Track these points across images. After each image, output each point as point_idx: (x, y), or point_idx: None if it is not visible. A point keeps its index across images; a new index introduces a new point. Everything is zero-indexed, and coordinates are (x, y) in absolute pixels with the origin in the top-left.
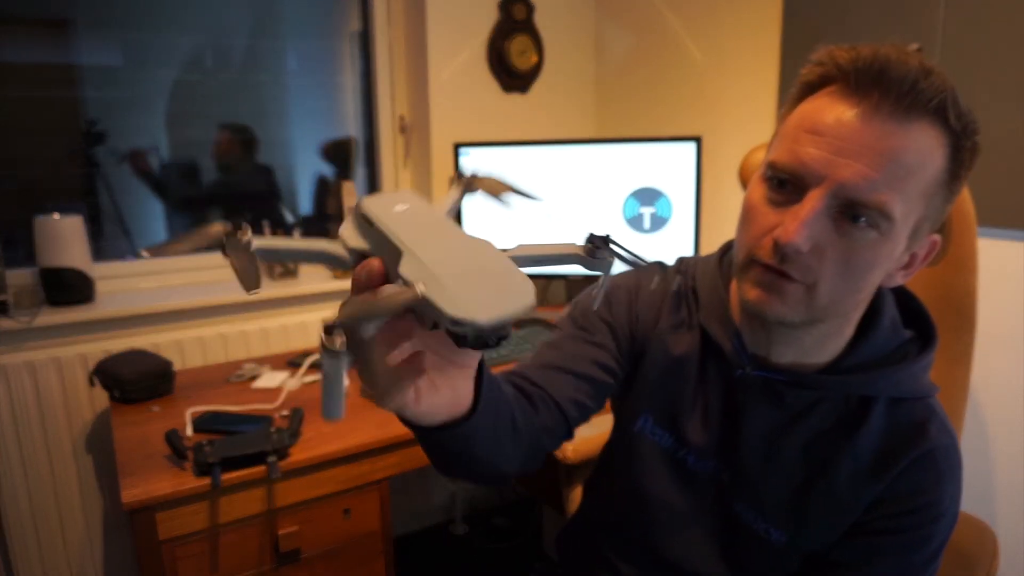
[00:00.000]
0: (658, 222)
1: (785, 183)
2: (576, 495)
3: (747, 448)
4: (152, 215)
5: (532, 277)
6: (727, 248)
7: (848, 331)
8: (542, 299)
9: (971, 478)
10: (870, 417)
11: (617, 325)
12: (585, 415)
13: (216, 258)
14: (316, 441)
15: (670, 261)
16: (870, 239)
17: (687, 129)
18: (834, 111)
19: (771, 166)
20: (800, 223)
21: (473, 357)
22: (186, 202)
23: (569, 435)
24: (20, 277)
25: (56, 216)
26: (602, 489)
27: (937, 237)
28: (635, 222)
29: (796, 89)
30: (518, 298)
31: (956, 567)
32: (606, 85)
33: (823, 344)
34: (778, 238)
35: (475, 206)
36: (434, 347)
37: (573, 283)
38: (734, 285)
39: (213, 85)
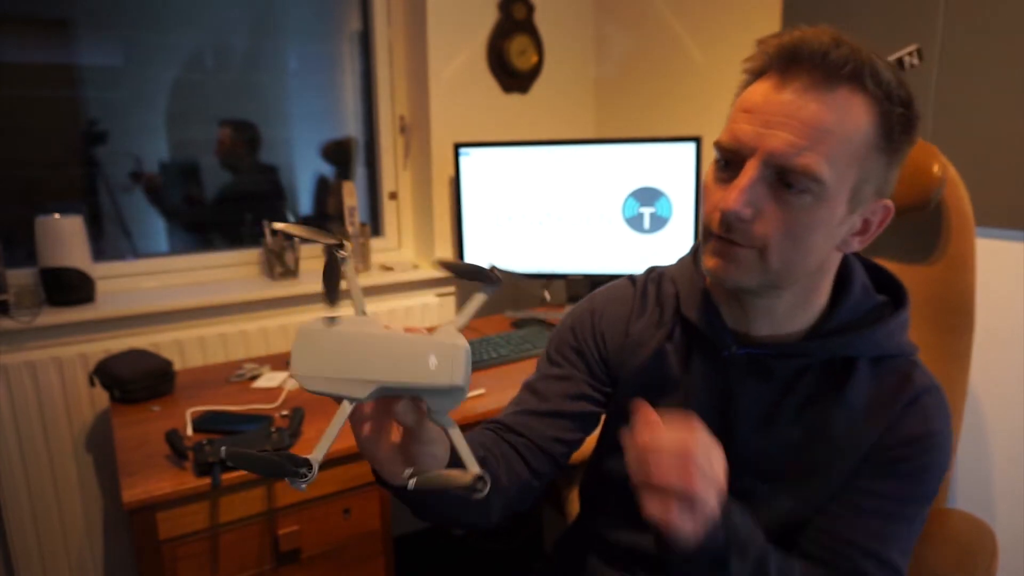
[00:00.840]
0: (658, 222)
1: (730, 162)
2: (575, 496)
3: (743, 425)
4: (152, 215)
5: (536, 276)
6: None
7: (819, 299)
8: (542, 299)
9: (971, 477)
10: (855, 373)
11: (586, 349)
12: (572, 448)
13: (216, 258)
14: (316, 441)
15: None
16: (806, 203)
17: (687, 129)
18: (762, 90)
19: (717, 147)
20: (738, 191)
21: (438, 446)
22: (189, 202)
23: (560, 471)
24: (21, 277)
25: (57, 216)
26: (597, 494)
27: (890, 203)
28: (635, 222)
29: (742, 79)
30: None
31: (956, 566)
32: (606, 85)
33: (796, 312)
34: (721, 207)
35: (475, 212)
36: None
37: (573, 282)
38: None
39: (213, 85)
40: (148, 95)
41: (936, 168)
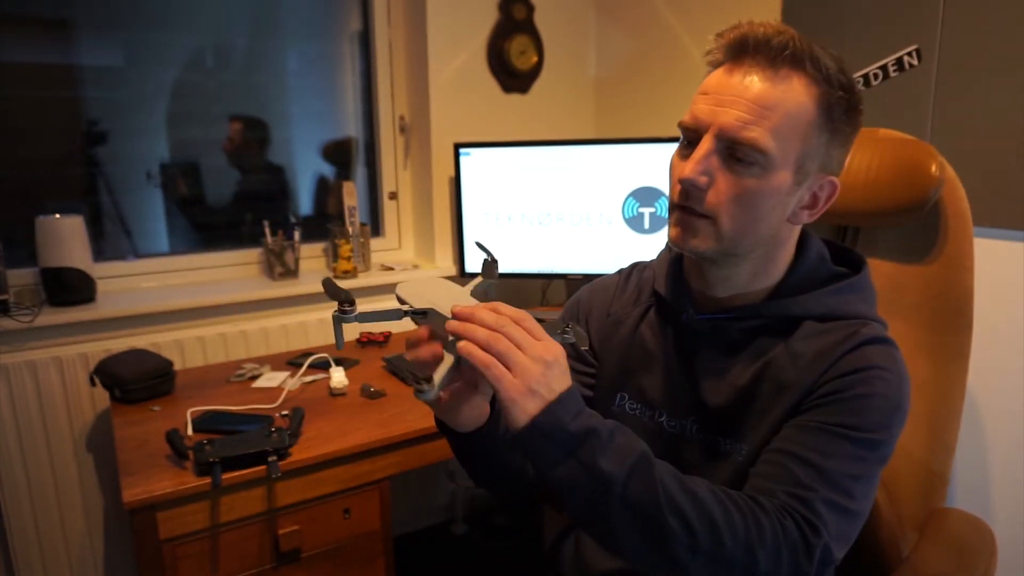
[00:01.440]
0: (658, 222)
1: (691, 142)
2: None
3: (705, 384)
4: (153, 215)
5: (538, 276)
6: None
7: (777, 268)
8: (543, 299)
9: (969, 477)
10: (803, 327)
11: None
12: None
13: (216, 258)
14: (316, 441)
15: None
16: (754, 173)
17: None
18: (716, 76)
19: (680, 127)
20: (694, 162)
21: (487, 387)
22: (190, 201)
23: None
24: (21, 277)
25: (57, 216)
26: None
27: (835, 179)
28: (635, 222)
29: (704, 73)
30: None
31: (955, 565)
32: (606, 85)
33: (755, 280)
34: (679, 177)
35: (475, 217)
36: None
37: (572, 282)
38: (686, 262)
39: (214, 85)
40: (148, 95)
41: (934, 168)
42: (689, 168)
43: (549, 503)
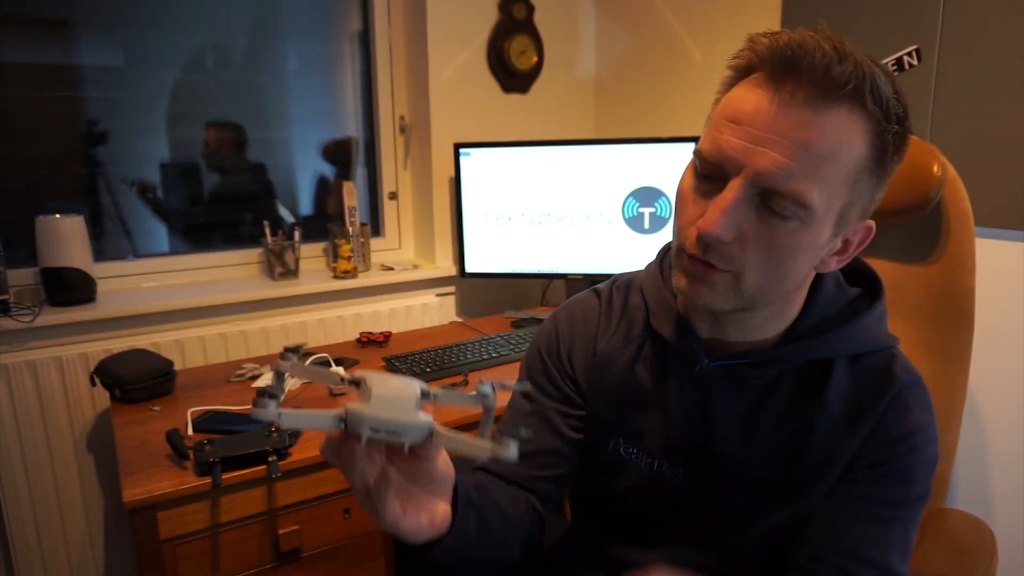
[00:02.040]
0: (658, 222)
1: (711, 175)
2: None
3: (725, 438)
4: (153, 216)
5: (538, 276)
6: (667, 250)
7: (795, 308)
8: (542, 299)
9: (970, 477)
10: (833, 375)
11: (556, 372)
12: (566, 478)
13: (216, 258)
14: (316, 441)
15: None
16: (791, 227)
17: (687, 129)
18: (752, 99)
19: (697, 155)
20: (720, 213)
21: (445, 484)
22: (190, 201)
23: (559, 504)
24: (21, 277)
25: (57, 216)
26: (587, 506)
27: (871, 223)
28: (635, 222)
29: (727, 75)
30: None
31: (955, 565)
32: (606, 85)
33: (772, 321)
34: (700, 228)
35: (475, 212)
36: (408, 475)
37: (572, 282)
38: None
39: (214, 85)
40: (148, 95)
41: (936, 168)
42: (713, 220)
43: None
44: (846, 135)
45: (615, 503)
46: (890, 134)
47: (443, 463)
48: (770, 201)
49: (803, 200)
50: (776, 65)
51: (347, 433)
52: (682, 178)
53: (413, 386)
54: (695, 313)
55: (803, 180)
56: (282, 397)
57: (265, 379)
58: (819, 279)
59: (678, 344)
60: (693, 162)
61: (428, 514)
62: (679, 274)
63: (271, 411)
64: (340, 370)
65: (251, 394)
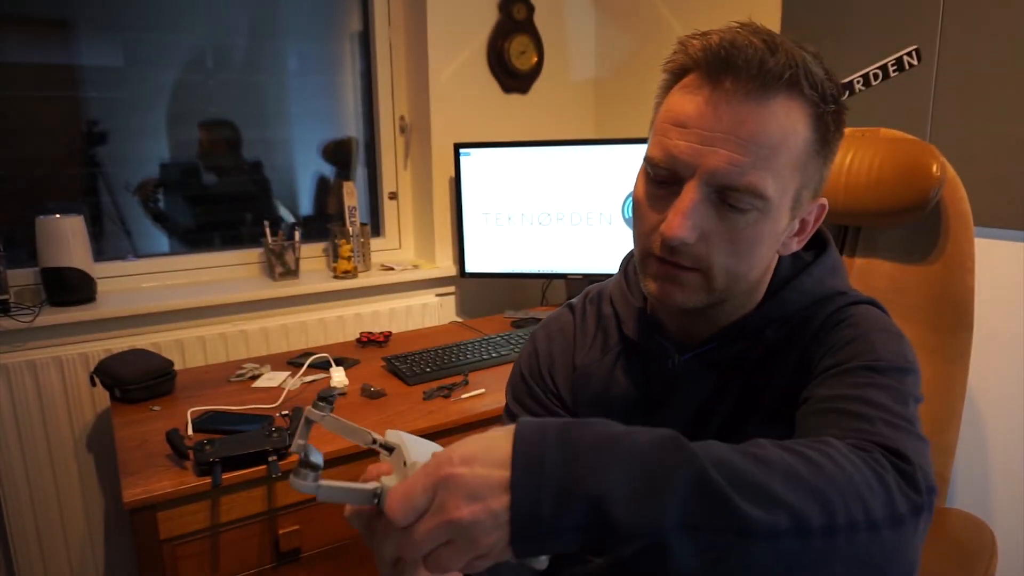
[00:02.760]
0: None
1: (664, 180)
2: None
3: (712, 420)
4: (154, 224)
5: (538, 276)
6: (629, 258)
7: (762, 289)
8: (542, 299)
9: (969, 477)
10: (788, 322)
11: (540, 392)
12: None
13: (216, 258)
14: (316, 441)
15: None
16: (751, 219)
17: None
18: (694, 101)
19: (648, 162)
20: (681, 216)
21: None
22: (190, 201)
23: None
24: (22, 277)
25: (57, 216)
26: None
27: (824, 201)
28: None
29: (662, 79)
30: None
31: (955, 565)
32: (606, 85)
33: (741, 308)
34: (663, 233)
35: (475, 212)
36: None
37: (572, 282)
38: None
39: (214, 86)
40: (148, 95)
41: (935, 168)
42: (676, 223)
43: None
44: (789, 123)
45: None
46: (829, 114)
47: None
48: (727, 197)
49: (759, 192)
50: (711, 65)
51: (380, 511)
52: (635, 187)
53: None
54: (664, 313)
55: (756, 173)
56: (319, 464)
57: (267, 378)
58: (779, 260)
59: (646, 344)
60: (644, 169)
61: None
62: (647, 280)
63: (310, 483)
64: (372, 433)
65: (251, 394)
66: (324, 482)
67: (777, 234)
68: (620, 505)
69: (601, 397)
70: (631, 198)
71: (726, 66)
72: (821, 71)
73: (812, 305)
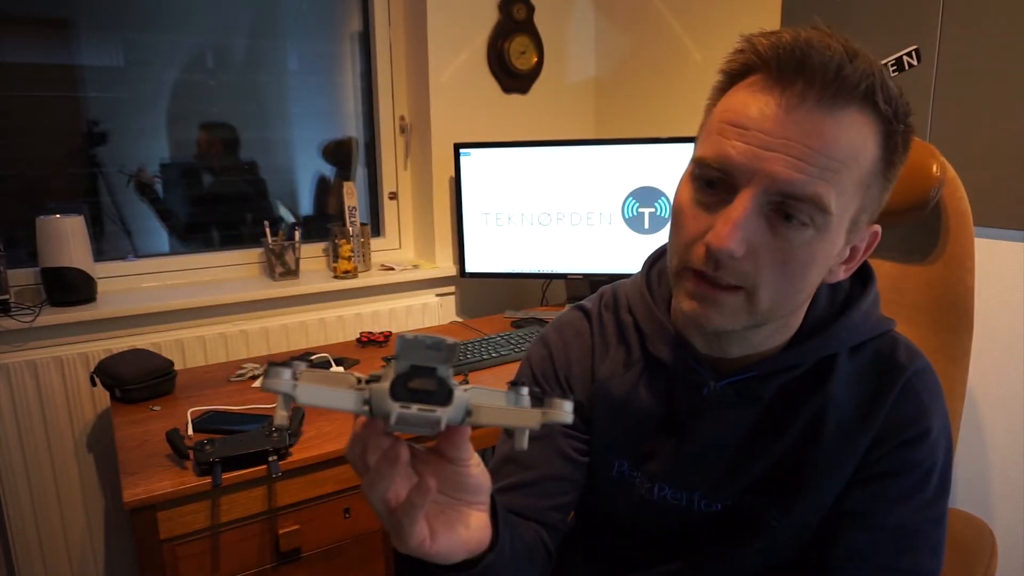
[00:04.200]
0: (658, 222)
1: (714, 183)
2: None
3: (742, 453)
4: (153, 215)
5: (538, 276)
6: (655, 259)
7: (800, 316)
8: (542, 299)
9: (969, 477)
10: (836, 368)
11: (558, 396)
12: (572, 506)
13: (216, 258)
14: (316, 440)
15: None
16: (807, 237)
17: (687, 129)
18: (757, 103)
19: (698, 163)
20: (732, 225)
21: (482, 494)
22: (190, 201)
23: (561, 531)
24: (22, 277)
25: (58, 216)
26: (590, 521)
27: (878, 228)
28: (635, 222)
29: (718, 80)
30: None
31: (955, 565)
32: (606, 85)
33: (777, 333)
34: (710, 243)
35: (475, 212)
36: (441, 484)
37: (572, 282)
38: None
39: (214, 85)
40: (149, 95)
41: (935, 168)
42: (725, 233)
43: None
44: (860, 137)
45: (614, 525)
46: (899, 134)
47: (477, 468)
48: (787, 208)
49: (823, 204)
50: (782, 65)
51: (372, 419)
52: (678, 192)
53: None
54: (692, 331)
55: (820, 183)
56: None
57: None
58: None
59: (680, 368)
60: (691, 172)
61: (463, 529)
62: (682, 296)
63: (286, 380)
64: (355, 375)
65: (251, 394)
66: (303, 384)
67: (830, 258)
68: None
69: (622, 414)
70: (671, 205)
71: (799, 68)
72: (894, 86)
73: (866, 347)
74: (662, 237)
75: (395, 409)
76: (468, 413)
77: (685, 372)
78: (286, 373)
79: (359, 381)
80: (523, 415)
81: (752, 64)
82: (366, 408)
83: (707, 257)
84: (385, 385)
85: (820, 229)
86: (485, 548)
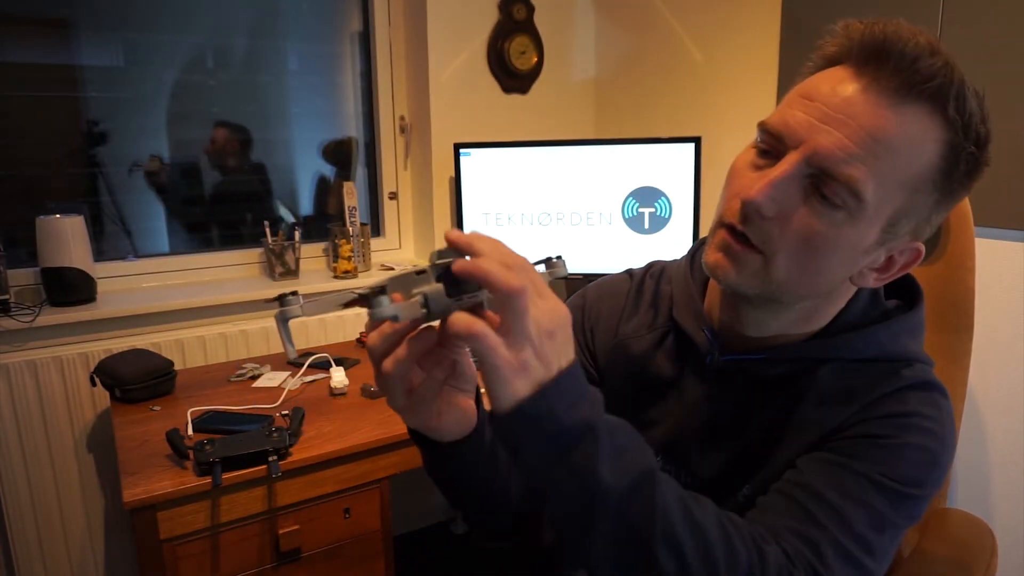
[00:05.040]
0: (658, 222)
1: (771, 150)
2: None
3: (723, 434)
4: (153, 215)
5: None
6: (699, 246)
7: (824, 316)
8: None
9: (970, 477)
10: (834, 363)
11: (580, 343)
12: None
13: (216, 258)
14: (316, 441)
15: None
16: (837, 219)
17: (687, 129)
18: (831, 80)
19: (760, 127)
20: (768, 183)
21: (472, 382)
22: (190, 201)
23: None
24: (22, 277)
25: (58, 216)
26: None
27: (921, 247)
28: (635, 222)
29: (813, 61)
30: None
31: (955, 565)
32: (606, 85)
33: (796, 324)
34: (743, 195)
35: (475, 212)
36: (448, 372)
37: (572, 282)
38: (711, 284)
39: (214, 85)
40: (149, 95)
41: None
42: (759, 188)
43: (531, 539)
44: (919, 136)
45: None
46: (965, 152)
47: (470, 355)
48: (822, 186)
49: (856, 188)
50: (865, 50)
51: (429, 317)
52: (738, 156)
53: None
54: (719, 304)
55: (860, 168)
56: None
57: (267, 378)
58: (856, 293)
59: (693, 334)
60: (755, 140)
61: (459, 410)
62: (711, 248)
63: (388, 307)
64: (354, 291)
65: (251, 394)
66: (390, 301)
67: (857, 251)
68: (601, 476)
69: (634, 374)
70: (730, 166)
71: (877, 53)
72: (977, 107)
73: (879, 361)
74: (662, 237)
75: (452, 304)
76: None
77: (697, 339)
78: (384, 300)
79: (359, 294)
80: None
81: (843, 50)
82: (425, 311)
83: (740, 210)
84: (439, 286)
85: (852, 214)
86: (472, 427)
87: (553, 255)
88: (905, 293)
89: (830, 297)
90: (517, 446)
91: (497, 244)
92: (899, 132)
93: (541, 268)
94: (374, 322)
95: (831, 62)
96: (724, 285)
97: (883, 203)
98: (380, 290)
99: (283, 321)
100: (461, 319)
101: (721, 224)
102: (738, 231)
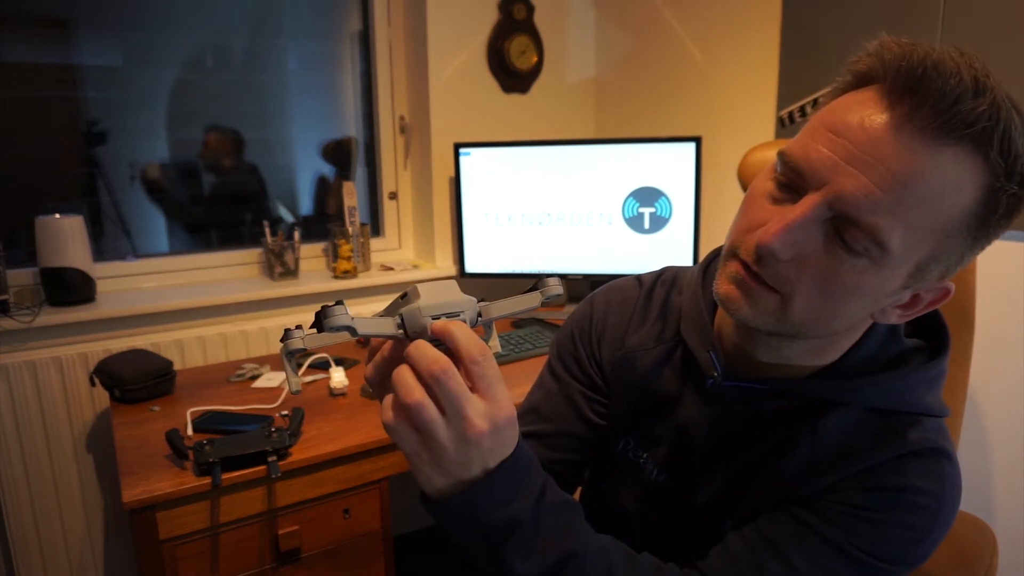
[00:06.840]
0: (658, 222)
1: (790, 184)
2: (576, 495)
3: (719, 462)
4: (153, 215)
5: (538, 276)
6: (713, 257)
7: (839, 349)
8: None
9: (970, 477)
10: (840, 409)
11: (584, 356)
12: (581, 466)
13: (216, 258)
14: (316, 441)
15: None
16: (858, 266)
17: (687, 129)
18: (860, 112)
19: (781, 156)
20: (784, 227)
21: None
22: (189, 202)
23: (571, 488)
24: (21, 277)
25: (57, 216)
26: (587, 504)
27: (951, 286)
28: (635, 222)
29: (842, 79)
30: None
31: (955, 565)
32: (606, 85)
33: (808, 356)
34: (758, 238)
35: (475, 212)
36: None
37: (572, 282)
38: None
39: (213, 85)
40: (148, 95)
41: None
42: (774, 232)
43: None
44: (955, 180)
45: (608, 502)
46: (1006, 194)
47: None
48: (843, 231)
49: (880, 239)
50: (899, 80)
51: (407, 336)
52: (756, 179)
53: (451, 282)
54: (728, 324)
55: (887, 217)
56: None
57: (266, 378)
58: (873, 324)
59: (699, 353)
60: (774, 165)
61: None
62: (723, 279)
63: (345, 315)
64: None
65: (251, 394)
66: (359, 317)
67: (880, 295)
68: (514, 570)
69: (638, 388)
70: (747, 191)
71: (916, 87)
72: (1021, 142)
73: (888, 414)
74: (662, 237)
75: (428, 320)
76: (479, 314)
77: (701, 359)
78: (343, 311)
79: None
80: (525, 300)
81: (874, 70)
82: (401, 331)
83: (754, 250)
84: (413, 306)
85: (875, 262)
86: None
87: (547, 275)
88: (929, 329)
89: (848, 332)
90: (442, 526)
91: (430, 352)
92: (933, 177)
93: (535, 292)
94: (329, 331)
95: (862, 80)
96: (737, 320)
97: (910, 251)
98: (402, 295)
99: (288, 355)
100: (424, 358)
101: (734, 255)
102: (753, 270)
